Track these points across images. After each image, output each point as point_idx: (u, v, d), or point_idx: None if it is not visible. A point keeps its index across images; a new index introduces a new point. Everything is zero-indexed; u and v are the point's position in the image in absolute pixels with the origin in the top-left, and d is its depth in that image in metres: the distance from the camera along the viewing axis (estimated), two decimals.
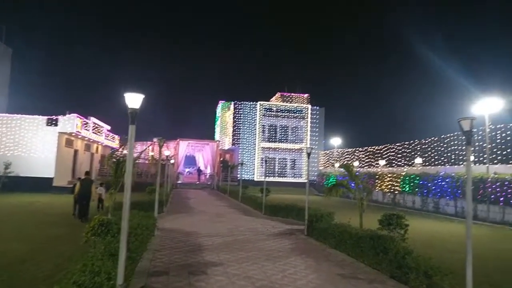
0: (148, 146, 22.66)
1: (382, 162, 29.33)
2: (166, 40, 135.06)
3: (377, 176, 27.65)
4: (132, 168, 5.61)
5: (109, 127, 36.00)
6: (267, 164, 37.39)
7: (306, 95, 46.68)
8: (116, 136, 38.13)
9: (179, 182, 39.60)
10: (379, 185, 27.12)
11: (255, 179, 41.17)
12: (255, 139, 43.19)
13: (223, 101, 50.48)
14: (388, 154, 29.52)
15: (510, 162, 18.01)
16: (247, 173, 41.63)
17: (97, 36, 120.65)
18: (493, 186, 17.24)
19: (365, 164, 32.99)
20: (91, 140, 31.09)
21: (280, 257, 8.75)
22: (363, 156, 33.88)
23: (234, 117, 43.72)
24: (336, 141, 40.52)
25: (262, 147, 43.24)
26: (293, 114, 44.81)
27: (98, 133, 31.70)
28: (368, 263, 8.15)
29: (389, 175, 26.16)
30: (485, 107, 18.68)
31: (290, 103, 45.70)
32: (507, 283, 6.71)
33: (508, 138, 18.53)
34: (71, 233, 10.51)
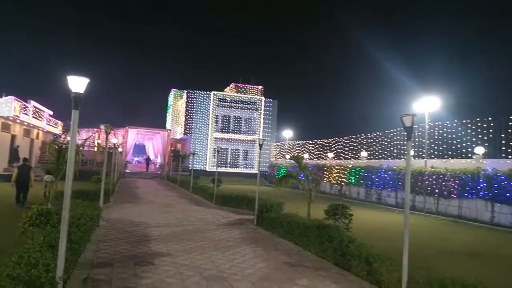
0: (94, 133, 21.68)
1: (330, 155, 30.38)
2: (116, 23, 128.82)
3: (325, 168, 28.61)
4: (75, 156, 5.32)
5: (51, 112, 33.81)
6: (220, 155, 37.23)
7: (260, 87, 46.92)
8: (59, 122, 35.96)
9: (127, 171, 38.30)
10: (327, 176, 28.10)
11: (207, 169, 40.91)
12: (207, 129, 42.79)
13: (175, 89, 49.35)
14: (336, 147, 30.62)
15: (445, 157, 19.45)
16: (199, 163, 41.23)
17: (38, 12, 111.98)
18: (430, 179, 18.54)
19: (315, 156, 33.98)
20: (31, 125, 29.03)
21: (229, 247, 8.80)
22: (313, 148, 34.87)
23: (186, 106, 42.93)
24: (287, 133, 41.27)
25: (215, 138, 42.98)
26: (246, 106, 44.90)
27: (39, 118, 29.65)
28: (314, 252, 8.44)
29: (337, 167, 27.18)
30: (425, 105, 19.92)
31: (244, 94, 45.72)
32: (440, 267, 7.27)
33: (444, 135, 19.96)
34: (5, 224, 9.80)
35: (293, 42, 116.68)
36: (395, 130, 23.64)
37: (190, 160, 38.01)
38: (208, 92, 43.46)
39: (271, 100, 45.63)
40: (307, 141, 36.48)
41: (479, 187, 16.09)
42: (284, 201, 13.36)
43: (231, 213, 14.79)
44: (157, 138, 45.66)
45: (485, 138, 17.65)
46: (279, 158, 41.88)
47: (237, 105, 44.56)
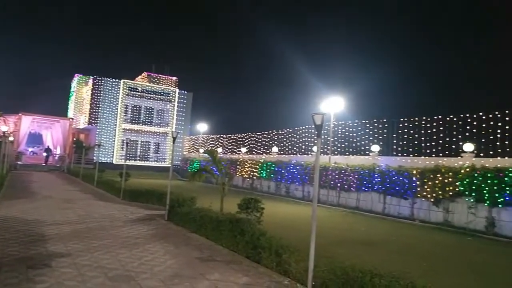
0: None
1: (243, 150, 30.94)
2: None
3: (238, 162, 29.05)
4: None
5: None
6: (129, 147, 35.33)
7: (174, 78, 45.59)
8: None
9: (19, 163, 34.19)
10: (240, 171, 28.56)
11: (114, 162, 38.55)
12: (116, 119, 40.25)
13: (80, 75, 45.37)
14: (249, 142, 31.32)
15: (347, 153, 21.19)
16: (105, 156, 38.63)
17: None
18: (333, 174, 20.03)
19: (228, 151, 34.29)
20: None
21: (137, 244, 8.39)
22: (227, 143, 35.14)
23: (92, 94, 39.77)
24: (202, 127, 40.90)
25: (123, 129, 40.64)
26: (159, 96, 43.32)
27: None
28: (226, 246, 8.50)
29: (249, 162, 27.79)
30: (331, 105, 21.43)
31: (157, 84, 44.01)
32: (341, 255, 7.88)
33: (346, 133, 21.73)
34: None
35: (205, 33, 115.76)
36: (303, 127, 25.00)
37: (95, 152, 35.41)
38: (117, 80, 40.86)
39: (185, 92, 44.69)
40: (222, 135, 36.63)
41: (374, 181, 17.87)
42: (197, 196, 13.20)
43: (140, 209, 14.14)
44: (56, 127, 41.53)
45: (380, 137, 19.69)
46: (193, 151, 41.34)
47: (149, 95, 42.74)
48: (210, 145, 37.51)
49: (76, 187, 21.36)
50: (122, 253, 7.49)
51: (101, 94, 39.96)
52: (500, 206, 13.30)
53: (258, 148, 30.09)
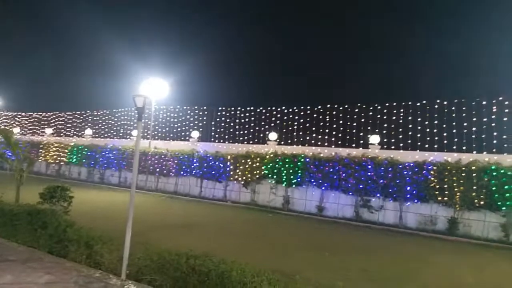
0: None
1: (48, 131, 27.00)
2: None
3: (41, 146, 25.20)
4: None
5: None
6: None
7: None
8: None
9: None
10: (43, 155, 24.83)
11: None
12: None
13: None
14: (57, 123, 27.50)
15: (168, 139, 21.21)
16: None
17: None
18: (153, 159, 19.72)
19: (29, 132, 29.26)
20: None
21: None
22: (27, 122, 29.88)
23: None
24: None
25: None
26: None
27: None
28: (23, 242, 7.25)
29: (56, 145, 24.48)
30: (153, 89, 20.93)
31: None
32: (159, 239, 7.81)
33: (167, 118, 21.70)
34: None
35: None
36: (122, 109, 23.62)
37: None
38: None
39: None
40: (19, 113, 30.84)
41: (193, 166, 18.51)
42: None
43: None
44: None
45: (200, 124, 20.51)
46: None
47: None
48: (3, 123, 31.14)
49: None
50: None
51: None
52: (293, 186, 15.87)
53: (67, 130, 26.74)
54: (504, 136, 13.31)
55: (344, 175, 14.72)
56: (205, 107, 20.56)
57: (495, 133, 13.44)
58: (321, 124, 17.25)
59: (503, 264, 9.19)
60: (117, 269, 5.64)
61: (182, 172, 18.86)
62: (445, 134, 14.42)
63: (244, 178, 16.96)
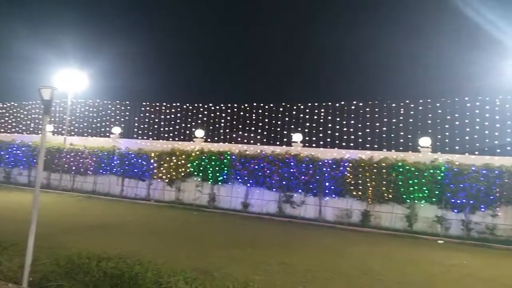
0: None
1: None
2: None
3: None
4: None
5: None
6: None
7: None
8: None
9: None
10: None
11: None
12: None
13: None
14: None
15: (85, 134, 19.84)
16: None
17: None
18: (68, 156, 18.29)
19: None
20: None
21: None
22: None
23: None
24: None
25: None
26: None
27: None
28: None
29: None
30: (68, 80, 19.38)
31: None
32: (71, 242, 7.25)
33: (86, 113, 20.29)
34: None
35: None
36: (33, 102, 21.54)
37: None
38: None
39: None
40: None
41: (113, 164, 17.54)
42: None
43: None
44: None
45: (122, 119, 19.52)
46: None
47: None
48: None
49: None
50: None
51: None
52: (219, 183, 15.88)
53: None
54: (409, 136, 14.84)
55: (268, 172, 15.11)
56: (127, 102, 19.63)
57: (401, 133, 14.93)
58: (248, 122, 17.54)
59: (405, 251, 10.18)
60: (18, 277, 5.13)
61: (101, 170, 17.79)
62: (360, 133, 15.60)
63: (168, 176, 16.54)
